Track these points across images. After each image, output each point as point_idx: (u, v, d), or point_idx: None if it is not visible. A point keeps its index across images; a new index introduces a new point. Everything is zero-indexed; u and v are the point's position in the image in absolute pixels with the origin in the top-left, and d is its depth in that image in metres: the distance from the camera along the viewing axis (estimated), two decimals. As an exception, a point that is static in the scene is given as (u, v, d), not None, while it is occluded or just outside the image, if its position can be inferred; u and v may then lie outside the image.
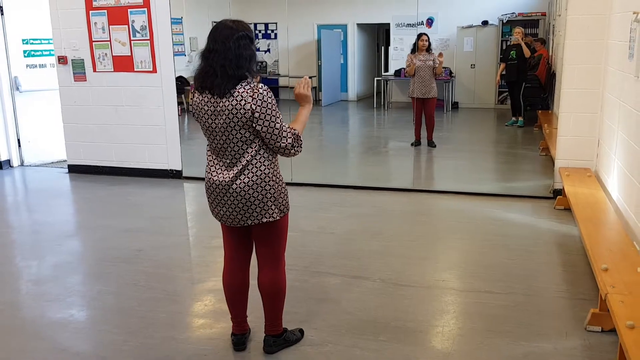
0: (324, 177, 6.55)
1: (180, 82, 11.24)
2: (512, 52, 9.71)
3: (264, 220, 2.76)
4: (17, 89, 7.41)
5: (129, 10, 6.45)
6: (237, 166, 2.68)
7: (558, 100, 5.75)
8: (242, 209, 2.72)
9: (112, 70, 6.68)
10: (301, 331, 3.18)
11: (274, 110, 2.64)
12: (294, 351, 3.04)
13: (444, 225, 5.10)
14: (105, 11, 6.53)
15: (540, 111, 9.93)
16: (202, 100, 2.69)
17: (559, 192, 5.45)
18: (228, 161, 2.70)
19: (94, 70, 6.75)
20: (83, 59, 6.75)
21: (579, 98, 5.39)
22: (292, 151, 2.72)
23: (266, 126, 2.61)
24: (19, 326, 3.42)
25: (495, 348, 3.03)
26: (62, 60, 6.81)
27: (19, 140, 7.55)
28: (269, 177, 2.73)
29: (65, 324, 3.42)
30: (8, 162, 7.52)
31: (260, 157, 2.70)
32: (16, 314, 3.59)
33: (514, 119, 10.18)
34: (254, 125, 2.61)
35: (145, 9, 6.39)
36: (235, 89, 2.60)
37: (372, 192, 6.09)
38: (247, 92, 2.60)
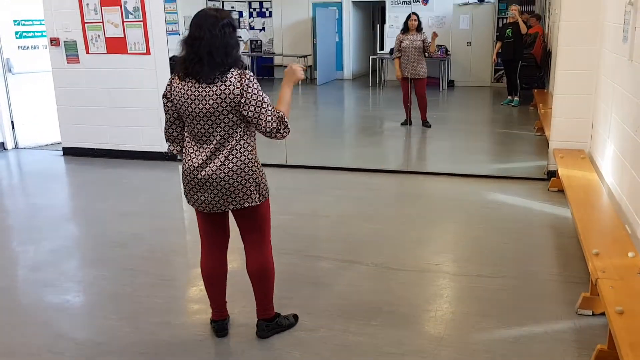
0: (318, 159, 6.55)
1: (175, 61, 11.16)
2: (508, 31, 9.65)
3: (246, 204, 2.79)
4: (10, 70, 7.35)
5: (121, -10, 6.38)
6: (221, 152, 2.71)
7: (553, 79, 5.74)
8: (225, 194, 2.76)
9: (105, 52, 6.62)
10: (295, 317, 3.22)
11: (260, 95, 2.67)
12: (287, 336, 3.08)
13: (438, 208, 5.13)
14: (97, -8, 6.45)
15: (535, 90, 9.91)
16: (183, 86, 2.70)
17: (553, 174, 5.47)
18: (212, 146, 2.71)
19: (87, 52, 6.69)
20: (75, 41, 6.68)
21: (573, 79, 5.37)
22: (278, 135, 2.75)
23: (252, 111, 2.65)
24: (16, 312, 3.45)
25: (486, 332, 3.08)
26: (54, 42, 6.74)
27: (12, 122, 7.50)
28: (252, 163, 2.78)
29: (61, 310, 3.46)
30: (2, 144, 7.49)
31: (244, 143, 2.75)
32: (13, 299, 3.62)
33: (509, 98, 10.17)
34: (240, 110, 2.66)
35: (138, -10, 6.31)
36: (226, 76, 2.63)
37: (366, 174, 6.10)
38: (234, 78, 2.64)
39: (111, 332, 3.19)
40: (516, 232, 4.43)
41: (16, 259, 4.29)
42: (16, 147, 7.59)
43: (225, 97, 2.63)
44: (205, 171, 2.73)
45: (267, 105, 2.68)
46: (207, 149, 2.73)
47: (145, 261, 4.10)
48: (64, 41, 6.73)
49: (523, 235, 4.35)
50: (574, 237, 4.23)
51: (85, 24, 6.60)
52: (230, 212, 2.93)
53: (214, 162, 2.72)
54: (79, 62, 6.76)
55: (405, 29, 8.18)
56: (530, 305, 3.33)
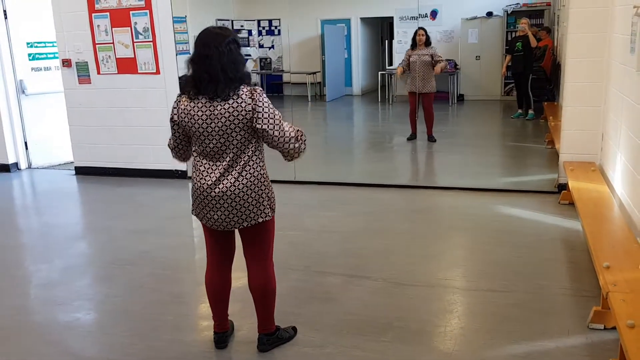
0: (327, 174, 6.57)
1: (184, 81, 11.27)
2: (517, 44, 9.65)
3: (260, 220, 2.82)
4: (23, 92, 7.46)
5: (131, 12, 6.48)
6: (234, 168, 2.73)
7: (563, 92, 5.73)
8: (240, 210, 2.77)
9: (116, 72, 6.72)
10: (294, 329, 3.23)
11: (271, 108, 2.73)
12: (295, 353, 3.07)
13: (448, 223, 5.11)
14: (108, 14, 6.56)
15: (546, 103, 9.89)
16: (193, 106, 2.71)
17: (563, 187, 5.44)
18: (225, 163, 2.73)
19: (98, 73, 6.79)
20: (87, 62, 6.79)
21: (582, 91, 5.36)
22: (297, 144, 2.79)
23: (266, 124, 2.69)
24: (28, 330, 3.47)
25: (497, 348, 3.05)
26: (66, 63, 6.86)
27: (26, 143, 7.61)
28: (264, 178, 2.83)
29: (73, 328, 3.47)
30: (16, 164, 7.59)
31: (256, 158, 2.79)
32: (26, 318, 3.64)
33: (520, 111, 10.14)
34: (254, 125, 2.68)
35: (147, 11, 6.41)
36: (237, 93, 2.67)
37: (375, 189, 6.10)
38: (245, 94, 2.69)
39: (122, 349, 3.20)
40: (526, 245, 4.40)
41: (29, 278, 4.32)
42: (29, 167, 7.69)
43: (238, 114, 2.66)
44: (219, 188, 2.75)
45: (280, 118, 2.75)
46: (221, 166, 2.75)
47: (156, 278, 4.12)
48: (76, 62, 6.84)
49: (533, 249, 4.32)
50: (585, 250, 4.20)
51: (97, 45, 6.71)
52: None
53: (227, 179, 2.74)
54: (90, 83, 6.86)
55: (414, 44, 8.23)
56: (541, 320, 3.30)
